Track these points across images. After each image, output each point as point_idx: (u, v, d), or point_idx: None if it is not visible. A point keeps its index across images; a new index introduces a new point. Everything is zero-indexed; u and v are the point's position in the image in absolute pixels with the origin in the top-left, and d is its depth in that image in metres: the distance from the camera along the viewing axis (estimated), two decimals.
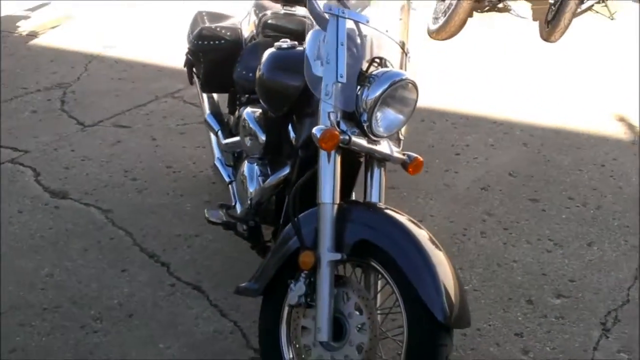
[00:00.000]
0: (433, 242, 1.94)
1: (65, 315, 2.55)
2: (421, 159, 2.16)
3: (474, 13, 6.12)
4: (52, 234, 3.05)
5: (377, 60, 2.11)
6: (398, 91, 2.00)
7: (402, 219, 1.98)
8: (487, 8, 6.15)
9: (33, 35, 6.14)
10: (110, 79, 4.98)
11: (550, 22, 5.34)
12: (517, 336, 2.46)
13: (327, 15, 1.98)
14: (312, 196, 1.97)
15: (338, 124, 1.95)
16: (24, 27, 6.35)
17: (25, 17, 6.64)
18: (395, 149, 2.12)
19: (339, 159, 1.96)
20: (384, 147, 2.06)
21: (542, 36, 5.50)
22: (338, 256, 1.91)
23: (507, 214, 3.20)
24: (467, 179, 3.51)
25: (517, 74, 4.88)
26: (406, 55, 2.21)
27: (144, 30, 5.95)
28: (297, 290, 1.96)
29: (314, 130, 1.90)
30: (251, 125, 2.51)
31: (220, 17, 3.14)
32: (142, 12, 6.44)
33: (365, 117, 1.97)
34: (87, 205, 3.28)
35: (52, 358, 2.34)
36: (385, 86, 1.95)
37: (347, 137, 1.92)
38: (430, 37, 5.63)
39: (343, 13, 1.97)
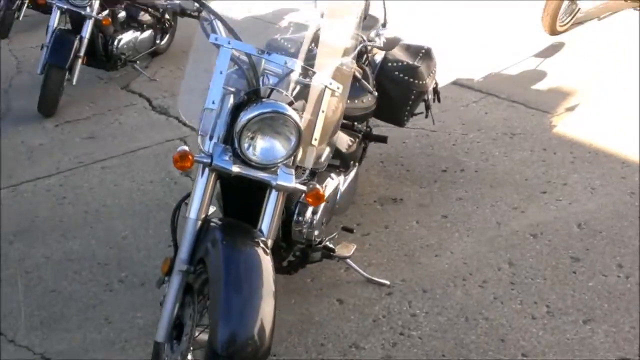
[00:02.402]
0: (261, 278, 2.05)
1: (105, 272, 3.25)
2: (322, 192, 2.22)
3: None
4: (156, 205, 3.79)
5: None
6: (275, 122, 2.09)
7: (246, 249, 2.09)
8: None
9: None
10: None
11: None
12: None
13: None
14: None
15: (217, 146, 2.12)
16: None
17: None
18: (289, 177, 2.17)
19: (211, 179, 2.16)
20: (270, 174, 2.15)
21: None
22: (184, 267, 2.17)
23: (531, 268, 2.96)
24: (525, 222, 3.27)
25: None
26: (327, 88, 2.25)
27: None
28: (161, 291, 2.34)
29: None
30: None
31: None
32: None
33: (236, 142, 2.11)
34: None
35: (72, 303, 3.03)
36: (251, 115, 2.06)
37: (207, 161, 2.08)
38: None
39: (228, 44, 2.13)
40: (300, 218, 2.61)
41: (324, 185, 2.83)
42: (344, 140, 2.99)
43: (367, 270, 3.03)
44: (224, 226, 2.21)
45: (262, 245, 2.15)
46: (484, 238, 3.19)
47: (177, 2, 2.32)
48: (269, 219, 2.23)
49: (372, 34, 2.73)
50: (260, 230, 2.25)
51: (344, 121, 2.98)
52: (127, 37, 5.64)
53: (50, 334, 2.85)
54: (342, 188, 2.94)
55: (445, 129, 4.30)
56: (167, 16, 6.26)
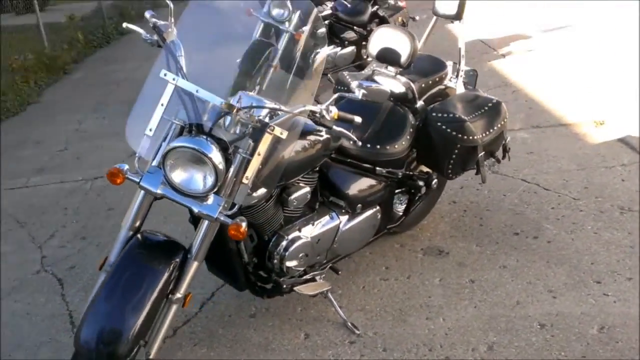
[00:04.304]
0: (140, 291, 2.26)
1: None
2: (242, 228, 2.27)
3: None
4: None
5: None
6: (196, 158, 2.21)
7: (145, 264, 2.33)
8: None
9: (505, 54, 6.81)
10: None
11: None
12: None
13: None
14: None
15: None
16: (510, 48, 7.01)
17: (526, 38, 7.23)
18: (213, 208, 2.29)
19: (145, 197, 2.40)
20: (197, 202, 2.29)
21: None
22: (108, 268, 2.43)
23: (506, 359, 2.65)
24: (545, 309, 2.89)
25: None
26: (266, 132, 2.25)
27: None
28: None
29: None
30: None
31: None
32: None
33: (162, 166, 2.29)
34: None
35: None
36: (173, 145, 2.22)
37: (136, 180, 2.33)
38: None
39: (174, 80, 2.31)
40: (273, 248, 2.74)
41: (317, 222, 2.89)
42: (353, 183, 2.98)
43: (355, 314, 3.01)
44: (145, 239, 2.46)
45: (171, 264, 2.37)
46: (488, 314, 2.91)
47: (156, 38, 2.59)
48: (198, 243, 2.42)
49: (354, 85, 2.62)
50: (190, 252, 2.45)
51: (364, 165, 2.99)
52: (324, 51, 6.05)
53: (89, 294, 3.38)
54: (343, 228, 2.96)
55: (560, 190, 3.88)
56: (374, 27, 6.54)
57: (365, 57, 6.48)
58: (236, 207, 2.39)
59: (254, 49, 5.56)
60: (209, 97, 2.30)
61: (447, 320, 2.90)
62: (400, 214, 3.45)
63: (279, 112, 2.36)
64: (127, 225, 2.47)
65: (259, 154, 2.33)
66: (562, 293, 2.98)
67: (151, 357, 2.54)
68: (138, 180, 2.36)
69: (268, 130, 2.28)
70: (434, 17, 3.99)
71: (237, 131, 2.37)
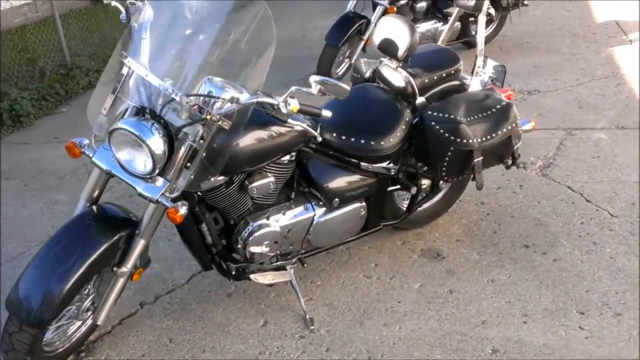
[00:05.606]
0: (70, 261, 2.39)
1: None
2: (180, 213, 2.33)
3: None
4: None
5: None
6: (134, 140, 2.27)
7: (82, 234, 2.47)
8: None
9: (633, 41, 6.16)
10: None
11: None
12: None
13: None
14: None
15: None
16: None
17: None
18: (155, 190, 2.35)
19: (101, 172, 2.54)
20: (143, 183, 2.37)
21: None
22: None
23: None
24: (507, 334, 2.64)
25: None
26: (208, 120, 2.27)
27: None
28: None
29: None
30: None
31: None
32: None
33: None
34: None
35: None
36: (115, 126, 2.31)
37: (90, 154, 2.48)
38: None
39: (128, 62, 2.37)
40: (238, 233, 2.78)
41: (290, 211, 2.86)
42: (331, 176, 2.90)
43: (319, 308, 2.97)
44: (98, 211, 2.62)
45: (114, 237, 2.49)
46: (446, 329, 2.73)
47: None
48: (145, 221, 2.51)
49: (311, 79, 2.50)
50: (138, 228, 2.55)
51: (347, 159, 2.90)
52: (425, 26, 5.86)
53: None
54: (318, 220, 2.91)
55: (602, 203, 3.50)
56: (491, 11, 6.18)
57: (473, 33, 6.15)
58: (177, 191, 2.44)
59: (346, 21, 5.52)
60: (155, 82, 2.35)
61: (402, 330, 2.77)
62: (404, 210, 3.32)
63: (230, 102, 2.34)
64: (83, 197, 2.63)
65: (202, 141, 2.35)
66: (536, 319, 2.72)
67: (98, 323, 2.71)
68: (91, 155, 2.50)
69: (208, 118, 2.28)
70: (456, 8, 3.72)
71: (193, 117, 2.37)
